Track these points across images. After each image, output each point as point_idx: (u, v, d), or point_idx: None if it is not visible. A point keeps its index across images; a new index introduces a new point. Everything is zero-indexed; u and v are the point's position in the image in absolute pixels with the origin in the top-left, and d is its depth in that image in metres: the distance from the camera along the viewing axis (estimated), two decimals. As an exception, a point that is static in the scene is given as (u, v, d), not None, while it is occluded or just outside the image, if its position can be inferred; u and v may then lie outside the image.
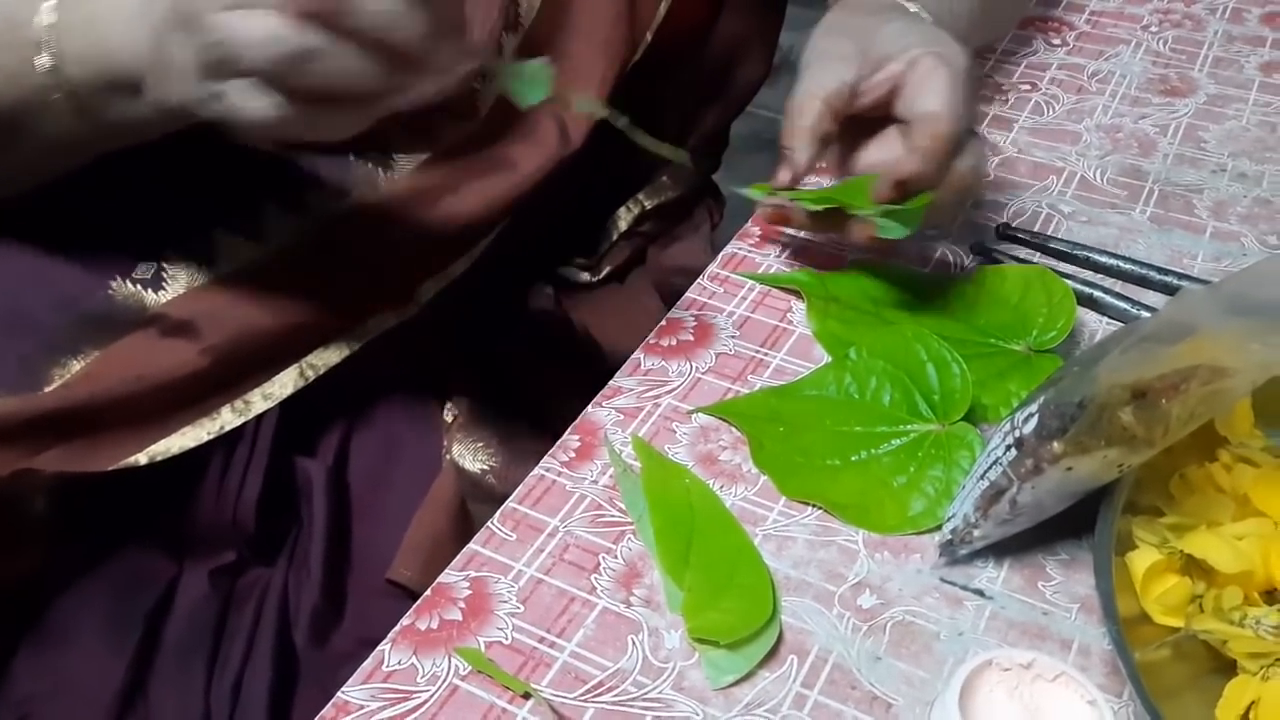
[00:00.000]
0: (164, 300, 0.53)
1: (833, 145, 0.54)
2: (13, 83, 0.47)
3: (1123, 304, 0.54)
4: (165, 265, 0.53)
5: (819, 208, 0.52)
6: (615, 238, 0.70)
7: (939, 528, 0.44)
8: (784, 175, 0.52)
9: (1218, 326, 0.37)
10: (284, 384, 0.55)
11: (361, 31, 0.35)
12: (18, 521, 0.52)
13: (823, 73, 0.52)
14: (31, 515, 0.53)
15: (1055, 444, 0.39)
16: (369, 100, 0.38)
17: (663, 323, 0.55)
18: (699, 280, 0.57)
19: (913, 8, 0.56)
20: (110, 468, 0.51)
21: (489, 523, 0.45)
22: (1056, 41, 0.77)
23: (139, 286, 0.53)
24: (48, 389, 0.51)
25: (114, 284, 0.53)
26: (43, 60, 0.45)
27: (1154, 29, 0.78)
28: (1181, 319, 0.37)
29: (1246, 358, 0.38)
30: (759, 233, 0.60)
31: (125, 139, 0.49)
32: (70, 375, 0.51)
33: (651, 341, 0.53)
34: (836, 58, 0.52)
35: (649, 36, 0.62)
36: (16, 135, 0.49)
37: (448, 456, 0.57)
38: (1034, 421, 0.39)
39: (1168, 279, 0.56)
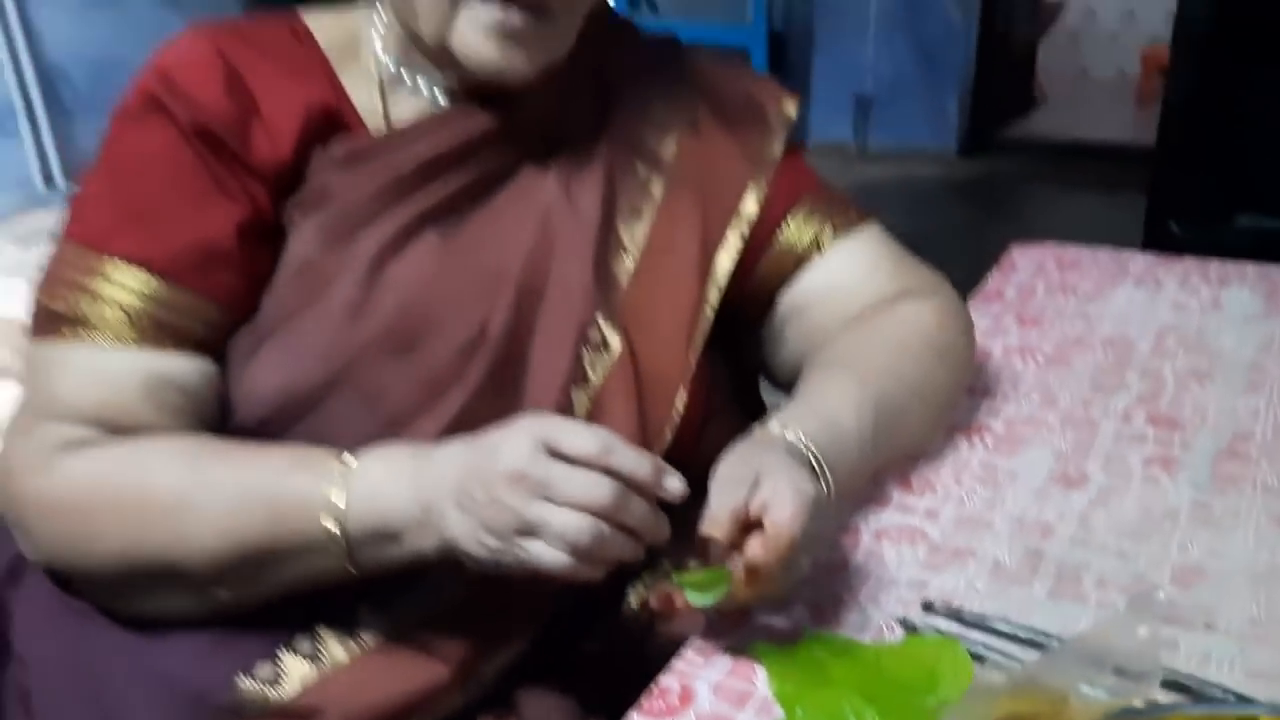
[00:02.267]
0: (285, 696, 0.71)
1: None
2: (298, 539, 0.72)
3: (1018, 665, 0.69)
4: (281, 663, 0.72)
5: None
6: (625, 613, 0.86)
7: None
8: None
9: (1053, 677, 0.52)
10: None
11: (630, 524, 0.65)
12: None
13: (728, 493, 0.70)
14: None
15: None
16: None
17: (654, 690, 0.69)
18: (684, 650, 0.72)
19: (802, 445, 0.77)
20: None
21: None
22: (977, 443, 0.95)
23: (261, 684, 0.71)
24: None
25: (240, 681, 0.72)
26: (329, 525, 0.70)
27: (1057, 430, 0.97)
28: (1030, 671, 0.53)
29: (1079, 698, 0.52)
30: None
31: (369, 575, 0.71)
32: None
33: (644, 705, 0.68)
34: (738, 481, 0.71)
35: (668, 434, 0.83)
36: (279, 570, 0.71)
37: None
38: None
39: (1054, 642, 0.70)
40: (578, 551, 0.64)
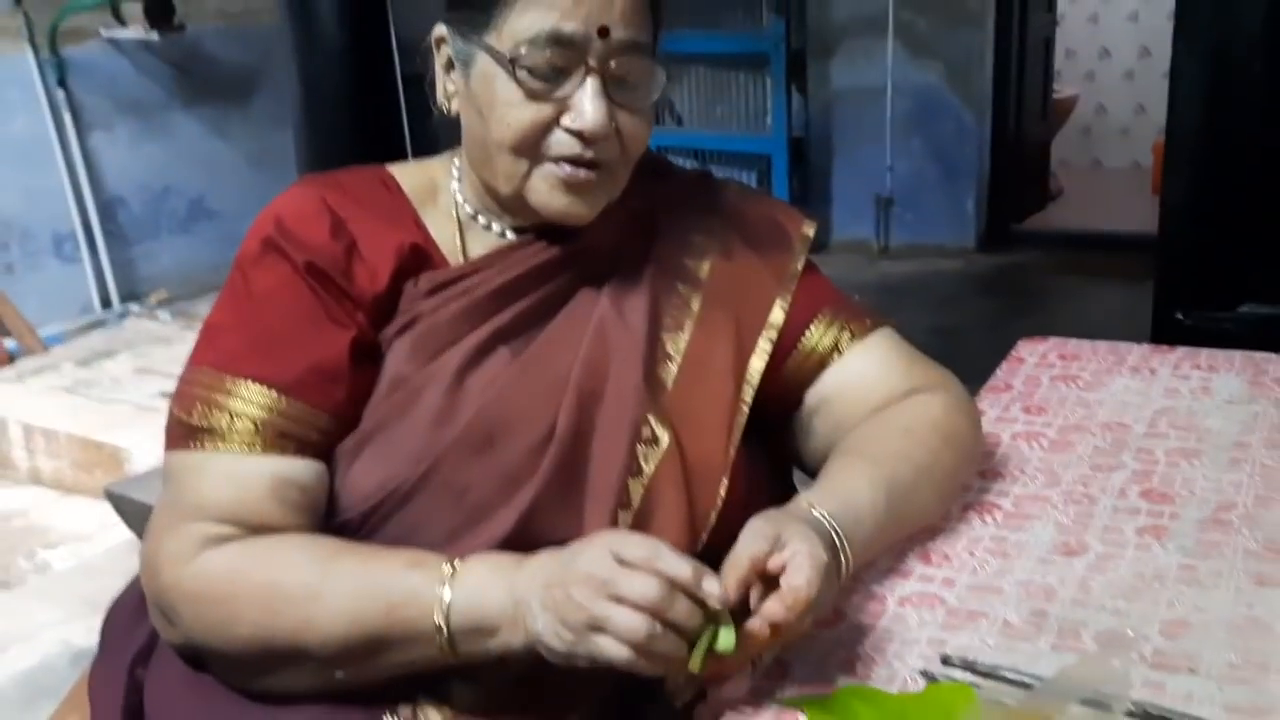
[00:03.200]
0: None
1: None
2: (410, 629, 0.84)
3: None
4: (420, 709, 0.85)
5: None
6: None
7: None
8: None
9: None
10: None
11: (676, 621, 0.76)
12: None
13: (753, 543, 0.83)
14: None
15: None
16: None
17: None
18: (734, 703, 0.84)
19: (825, 521, 0.89)
20: None
21: None
22: (989, 519, 1.07)
23: None
24: None
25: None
26: (437, 619, 0.82)
27: (1060, 506, 1.08)
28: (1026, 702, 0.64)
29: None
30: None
31: (465, 662, 0.84)
32: None
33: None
34: (762, 536, 0.83)
35: (713, 518, 0.95)
36: (390, 656, 0.85)
37: None
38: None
39: (1056, 688, 0.81)
40: (636, 646, 0.76)
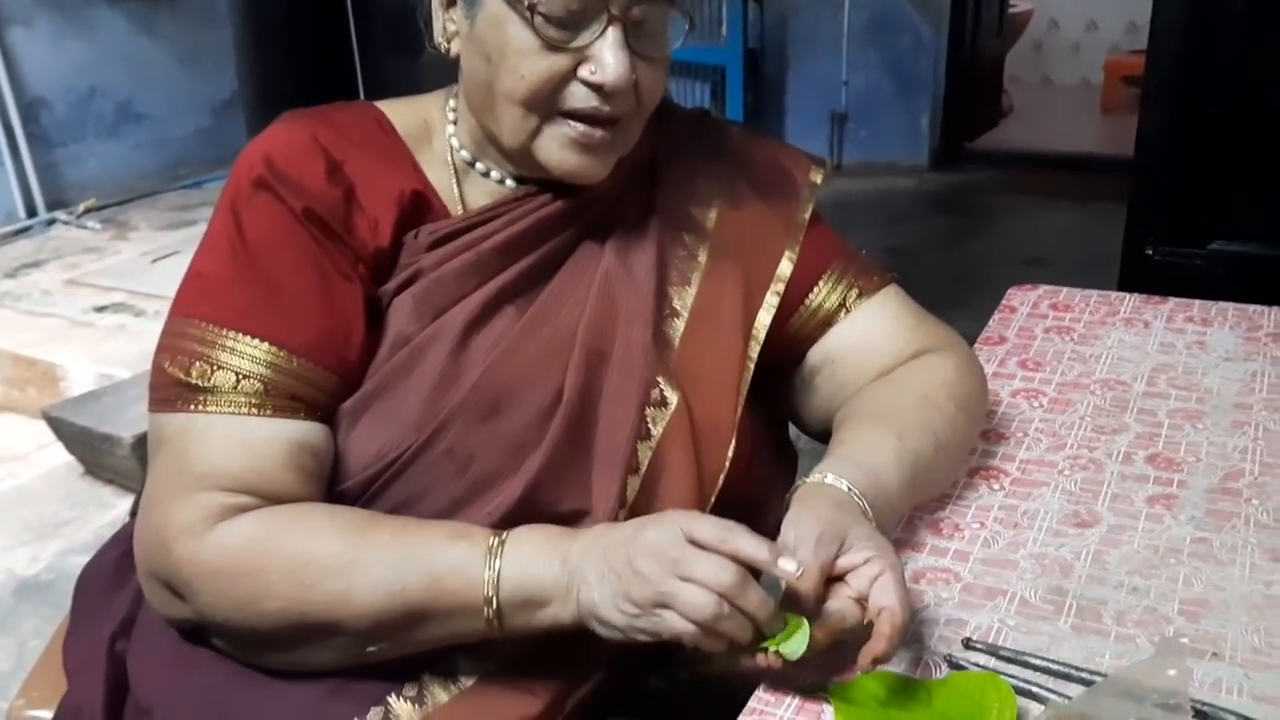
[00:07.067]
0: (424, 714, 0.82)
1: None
2: (455, 601, 0.79)
3: (1052, 695, 0.78)
4: (391, 707, 0.84)
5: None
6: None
7: None
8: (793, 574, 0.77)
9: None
10: None
11: (747, 608, 0.74)
12: None
13: (817, 550, 0.79)
14: None
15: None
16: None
17: (736, 729, 0.78)
18: (757, 692, 0.81)
19: (859, 501, 0.86)
20: None
21: None
22: (996, 486, 1.05)
23: (408, 702, 0.81)
24: None
25: (391, 699, 0.82)
26: (486, 591, 0.78)
27: (1066, 472, 1.07)
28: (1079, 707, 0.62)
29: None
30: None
31: (509, 637, 0.81)
32: None
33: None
34: (824, 541, 0.80)
35: (720, 480, 0.91)
36: (430, 629, 0.80)
37: None
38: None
39: (1083, 674, 0.80)
40: (702, 624, 0.73)
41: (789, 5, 5.13)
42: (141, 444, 2.41)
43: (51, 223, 4.47)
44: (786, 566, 0.76)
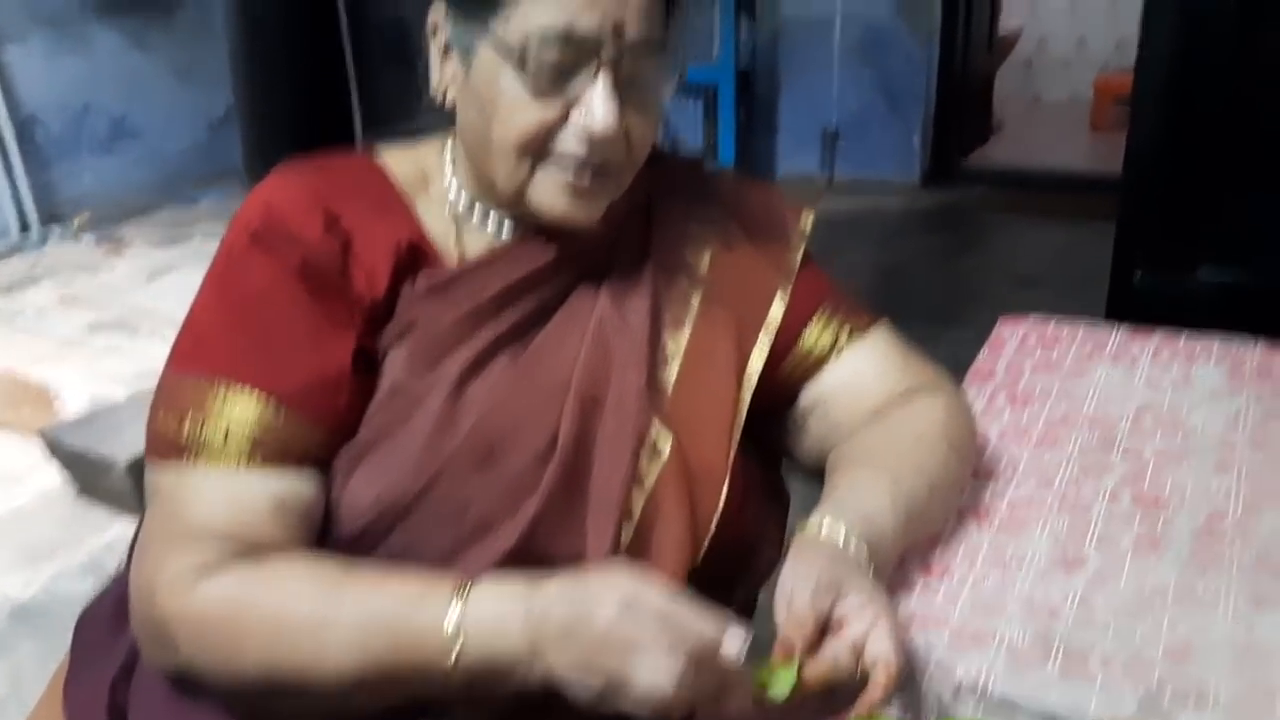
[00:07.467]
0: None
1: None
2: (419, 666, 0.79)
3: (1040, 743, 0.80)
4: None
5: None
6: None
7: None
8: (780, 653, 0.79)
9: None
10: None
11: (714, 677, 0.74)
12: None
13: (813, 600, 0.81)
14: None
15: None
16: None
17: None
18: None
19: (853, 549, 0.87)
20: None
21: None
22: (985, 526, 1.07)
23: None
24: None
25: None
26: (447, 663, 0.78)
27: (1054, 512, 1.08)
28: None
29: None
30: None
31: (474, 695, 0.80)
32: None
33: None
34: (819, 589, 0.82)
35: (714, 524, 0.93)
36: (401, 689, 0.80)
37: None
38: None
39: (1070, 722, 0.82)
40: (664, 704, 0.74)
41: (781, 23, 5.16)
42: (137, 467, 2.42)
43: (46, 239, 4.48)
44: (730, 649, 0.75)
